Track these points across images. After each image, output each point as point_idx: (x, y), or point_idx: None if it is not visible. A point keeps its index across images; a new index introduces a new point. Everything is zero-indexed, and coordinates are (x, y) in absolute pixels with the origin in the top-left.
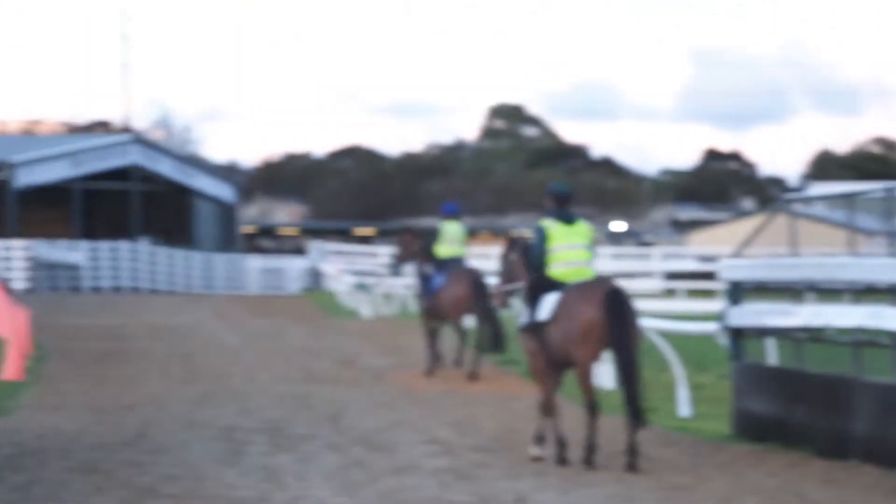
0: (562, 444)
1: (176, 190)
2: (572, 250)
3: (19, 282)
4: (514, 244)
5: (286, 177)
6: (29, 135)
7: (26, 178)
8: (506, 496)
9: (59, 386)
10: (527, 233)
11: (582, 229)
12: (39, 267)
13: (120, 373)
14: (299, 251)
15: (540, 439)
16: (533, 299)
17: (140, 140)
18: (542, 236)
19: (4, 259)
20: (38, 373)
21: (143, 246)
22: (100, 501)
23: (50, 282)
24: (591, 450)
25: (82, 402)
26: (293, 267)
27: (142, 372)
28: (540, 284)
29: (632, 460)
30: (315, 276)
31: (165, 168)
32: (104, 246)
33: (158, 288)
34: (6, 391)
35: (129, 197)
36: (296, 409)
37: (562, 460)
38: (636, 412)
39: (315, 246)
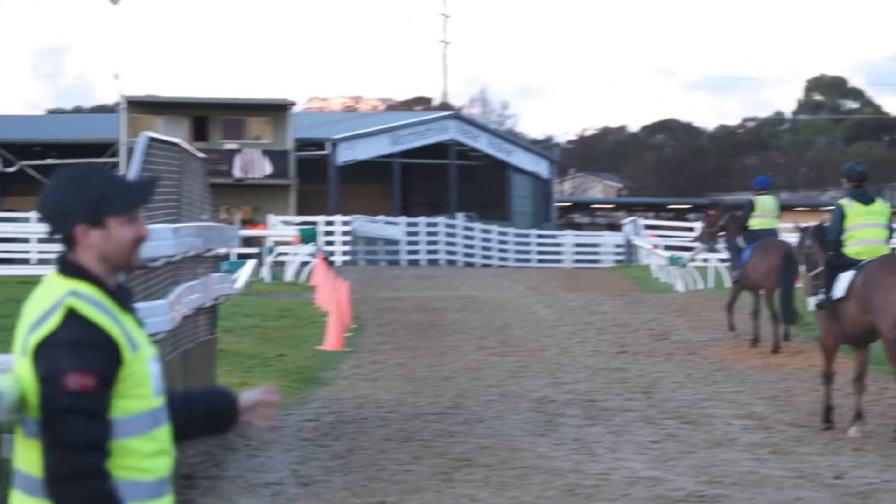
0: (829, 410)
1: (492, 165)
2: (869, 228)
3: (340, 255)
4: (805, 231)
5: (600, 151)
6: (350, 111)
7: (347, 154)
8: (824, 472)
9: (377, 357)
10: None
11: (879, 208)
12: (359, 241)
13: (436, 344)
14: (613, 226)
15: (858, 417)
16: (828, 277)
17: (458, 116)
18: (839, 215)
19: (326, 233)
20: (356, 344)
21: (460, 221)
22: (416, 470)
23: (369, 255)
24: None
25: (399, 373)
26: (607, 241)
27: (457, 344)
28: (836, 263)
29: None
30: (629, 250)
31: (482, 144)
32: (421, 220)
33: (473, 262)
34: (327, 361)
35: (446, 172)
36: (609, 382)
37: (827, 422)
38: None
39: (629, 220)
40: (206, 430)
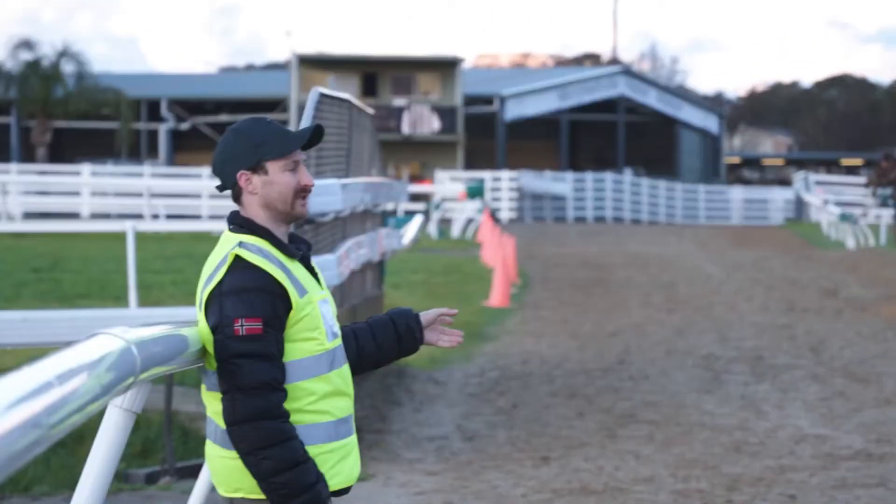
0: None
1: (661, 121)
2: None
3: (506, 211)
4: None
5: (772, 107)
6: (519, 68)
7: (515, 110)
8: None
9: (542, 313)
10: None
11: None
12: (526, 197)
13: (601, 301)
14: (783, 182)
15: None
16: None
17: (627, 72)
18: None
19: (493, 189)
20: (522, 300)
21: (627, 176)
22: (580, 426)
23: (535, 212)
24: None
25: (564, 329)
26: (776, 198)
27: (623, 300)
28: None
29: None
30: (799, 206)
31: (651, 99)
32: (588, 177)
33: (640, 218)
34: (493, 317)
35: (614, 128)
36: (777, 339)
37: None
38: None
39: (800, 176)
40: (395, 353)
